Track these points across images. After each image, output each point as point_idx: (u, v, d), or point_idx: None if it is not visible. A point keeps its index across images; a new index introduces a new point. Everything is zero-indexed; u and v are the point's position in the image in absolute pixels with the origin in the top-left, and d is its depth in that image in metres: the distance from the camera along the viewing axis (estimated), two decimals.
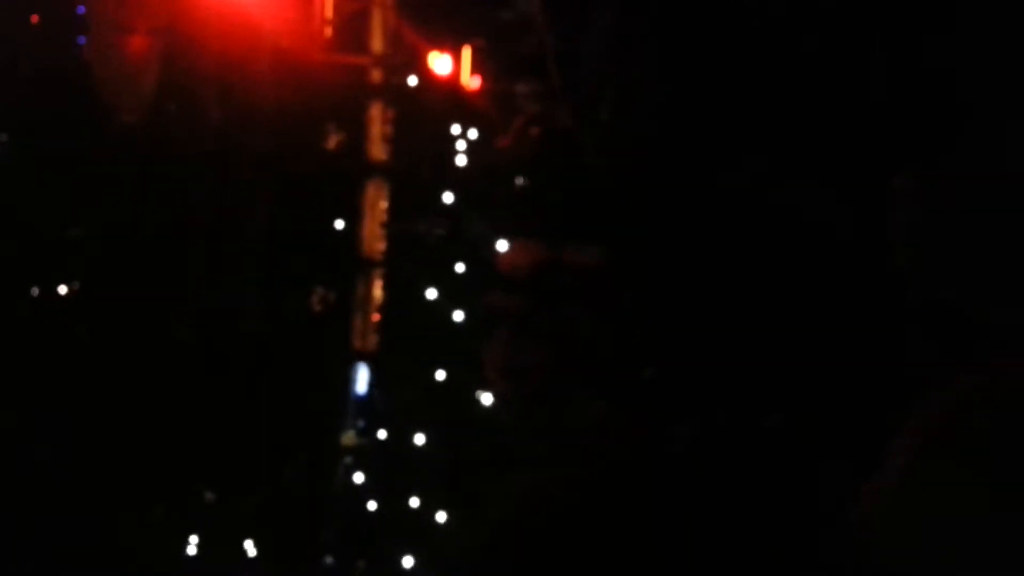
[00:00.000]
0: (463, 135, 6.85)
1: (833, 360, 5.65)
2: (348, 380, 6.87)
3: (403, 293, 6.88)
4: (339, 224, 6.94)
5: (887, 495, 1.78)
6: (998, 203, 5.25)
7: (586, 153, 6.37)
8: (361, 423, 6.85)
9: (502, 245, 6.60)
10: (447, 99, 6.83)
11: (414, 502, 6.70)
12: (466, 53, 6.77)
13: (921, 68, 5.43)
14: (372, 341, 6.87)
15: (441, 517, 6.63)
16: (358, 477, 6.80)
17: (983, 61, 5.23)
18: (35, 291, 7.27)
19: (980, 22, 5.20)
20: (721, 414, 5.82)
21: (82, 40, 7.31)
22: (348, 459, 6.84)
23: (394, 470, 6.77)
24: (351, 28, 6.94)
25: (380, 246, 6.90)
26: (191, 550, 6.87)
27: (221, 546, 6.88)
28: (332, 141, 6.98)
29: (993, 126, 5.25)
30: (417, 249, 6.92)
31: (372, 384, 6.85)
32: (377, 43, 6.89)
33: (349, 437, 6.85)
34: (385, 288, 6.90)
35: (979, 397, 1.80)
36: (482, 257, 6.65)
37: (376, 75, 6.91)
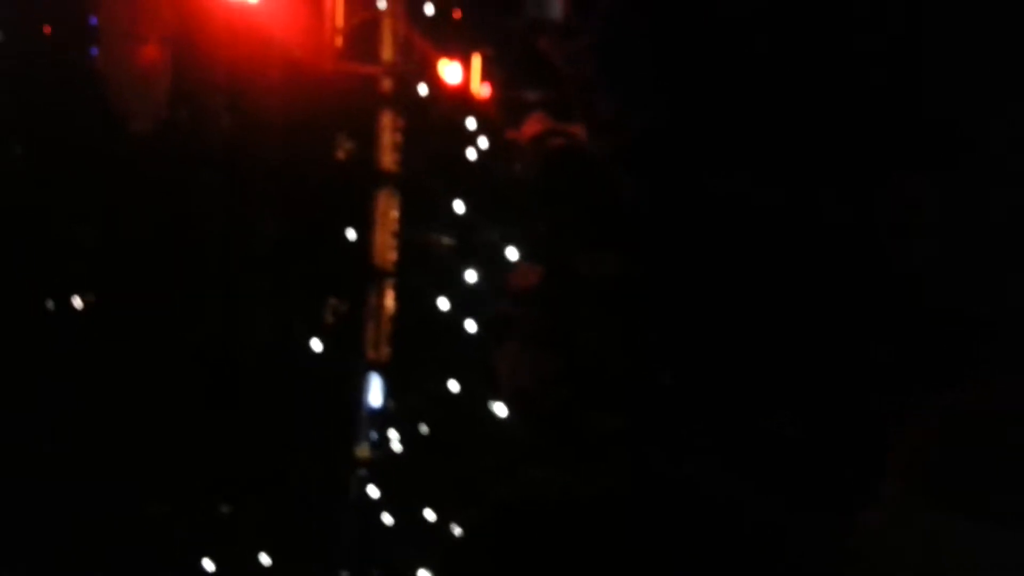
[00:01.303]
0: (474, 144, 6.81)
1: (846, 365, 5.61)
2: (361, 391, 6.83)
3: (415, 303, 6.83)
4: (351, 234, 6.90)
5: (879, 526, 1.73)
6: (1010, 205, 5.20)
7: (602, 165, 6.34)
8: (375, 435, 6.82)
9: (513, 254, 6.56)
10: (457, 107, 6.78)
11: (429, 515, 6.66)
12: (476, 61, 6.72)
13: (927, 71, 5.38)
14: (385, 352, 6.83)
15: (456, 531, 6.60)
16: (372, 490, 6.77)
17: (988, 64, 5.18)
18: (49, 303, 7.27)
19: (982, 23, 5.15)
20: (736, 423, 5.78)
21: (94, 50, 7.32)
22: (363, 472, 6.80)
23: (408, 483, 6.73)
24: (361, 37, 6.90)
25: (392, 256, 6.85)
26: (206, 561, 6.86)
27: (236, 558, 6.86)
28: (343, 150, 6.95)
29: (1002, 129, 5.20)
30: (429, 259, 6.88)
31: (386, 396, 6.81)
32: (387, 52, 6.85)
33: (363, 450, 6.81)
34: (397, 298, 6.86)
35: (963, 424, 1.74)
36: (494, 267, 6.61)
37: (386, 84, 6.87)
